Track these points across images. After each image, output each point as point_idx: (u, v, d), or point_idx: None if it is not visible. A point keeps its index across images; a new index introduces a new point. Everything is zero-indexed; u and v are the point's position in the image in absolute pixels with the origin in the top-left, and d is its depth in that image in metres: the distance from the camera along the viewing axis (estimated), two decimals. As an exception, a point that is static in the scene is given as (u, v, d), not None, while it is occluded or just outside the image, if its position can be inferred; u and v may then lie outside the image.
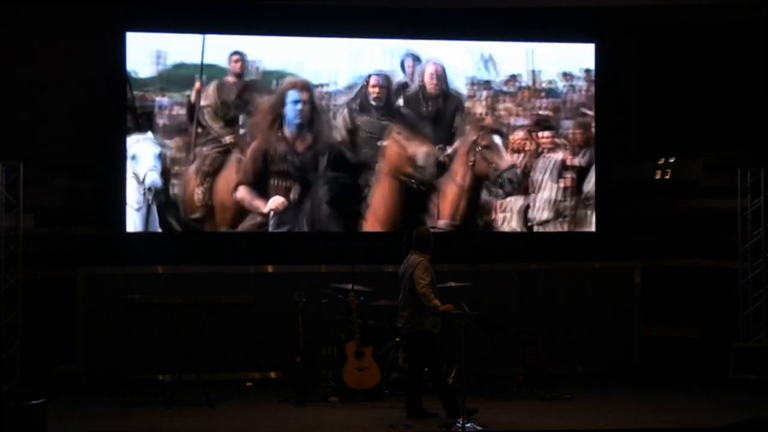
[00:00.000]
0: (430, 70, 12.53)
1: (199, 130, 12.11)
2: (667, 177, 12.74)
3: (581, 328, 12.57)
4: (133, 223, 11.94)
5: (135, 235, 11.89)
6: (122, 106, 11.85)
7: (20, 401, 8.43)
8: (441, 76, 12.55)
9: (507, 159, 12.61)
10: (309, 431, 9.58)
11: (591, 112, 12.66)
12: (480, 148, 12.57)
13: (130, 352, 11.68)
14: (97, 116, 11.93)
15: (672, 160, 12.72)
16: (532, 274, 12.46)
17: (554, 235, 12.68)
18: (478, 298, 10.75)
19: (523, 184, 12.60)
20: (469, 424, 9.23)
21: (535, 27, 12.53)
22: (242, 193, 12.24)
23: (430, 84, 12.53)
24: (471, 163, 12.53)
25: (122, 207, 11.85)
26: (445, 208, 12.50)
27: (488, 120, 12.61)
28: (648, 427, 9.81)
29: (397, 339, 10.83)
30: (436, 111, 12.53)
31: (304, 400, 10.63)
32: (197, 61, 12.05)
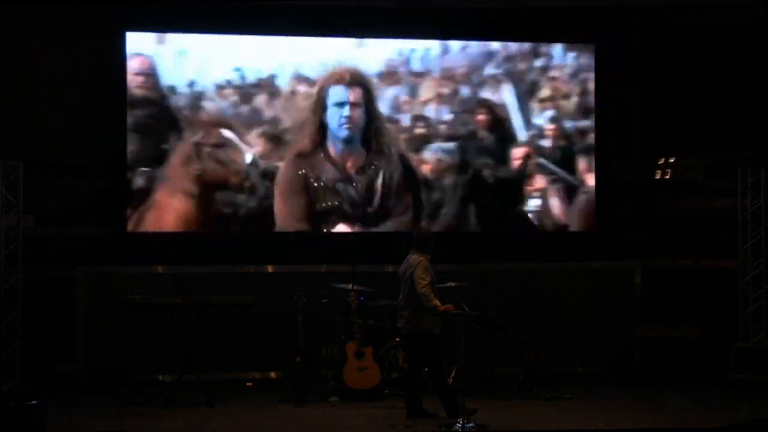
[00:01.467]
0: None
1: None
2: (667, 177, 12.73)
3: (581, 328, 12.56)
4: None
5: (135, 235, 11.88)
6: (122, 106, 11.83)
7: (20, 401, 8.42)
8: None
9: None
10: (309, 431, 9.58)
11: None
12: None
13: (130, 352, 11.67)
14: (98, 116, 11.91)
15: (672, 160, 12.71)
16: (532, 274, 12.46)
17: (554, 235, 12.68)
18: (477, 298, 10.75)
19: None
20: (469, 424, 9.23)
21: (535, 27, 12.53)
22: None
23: None
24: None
25: (122, 207, 11.84)
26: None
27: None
28: (648, 427, 9.80)
29: (397, 339, 10.83)
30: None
31: (304, 400, 10.63)
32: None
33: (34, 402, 8.44)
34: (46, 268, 11.56)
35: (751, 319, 11.91)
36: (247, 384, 11.77)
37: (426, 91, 11.82)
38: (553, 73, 12.62)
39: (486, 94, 12.19)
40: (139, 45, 11.24)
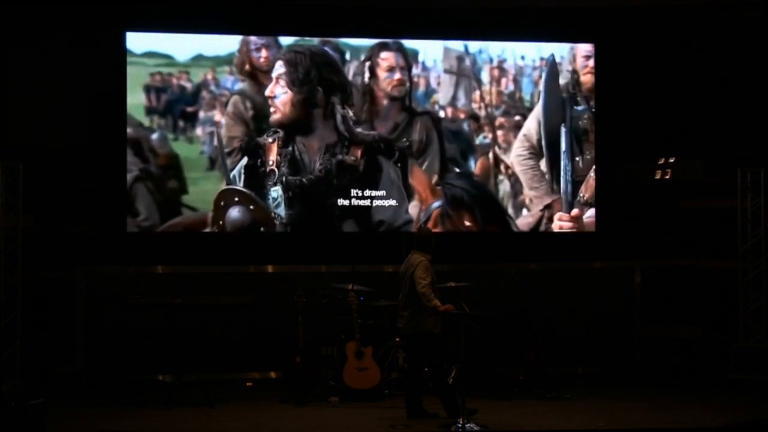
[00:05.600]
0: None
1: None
2: (667, 177, 12.72)
3: (581, 329, 12.57)
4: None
5: (135, 235, 11.88)
6: (122, 106, 11.83)
7: (20, 401, 8.43)
8: None
9: None
10: (309, 431, 9.59)
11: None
12: None
13: (130, 352, 11.67)
14: (98, 116, 11.91)
15: (672, 160, 12.71)
16: (532, 274, 12.45)
17: (554, 235, 12.67)
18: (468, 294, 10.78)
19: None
20: (469, 424, 9.24)
21: (536, 27, 12.52)
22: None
23: None
24: None
25: (122, 207, 11.84)
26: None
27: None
28: (648, 427, 9.81)
29: (397, 339, 10.84)
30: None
31: (304, 400, 10.64)
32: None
33: (34, 402, 8.45)
34: (46, 268, 11.56)
35: (751, 319, 11.91)
36: (247, 384, 11.77)
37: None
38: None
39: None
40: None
